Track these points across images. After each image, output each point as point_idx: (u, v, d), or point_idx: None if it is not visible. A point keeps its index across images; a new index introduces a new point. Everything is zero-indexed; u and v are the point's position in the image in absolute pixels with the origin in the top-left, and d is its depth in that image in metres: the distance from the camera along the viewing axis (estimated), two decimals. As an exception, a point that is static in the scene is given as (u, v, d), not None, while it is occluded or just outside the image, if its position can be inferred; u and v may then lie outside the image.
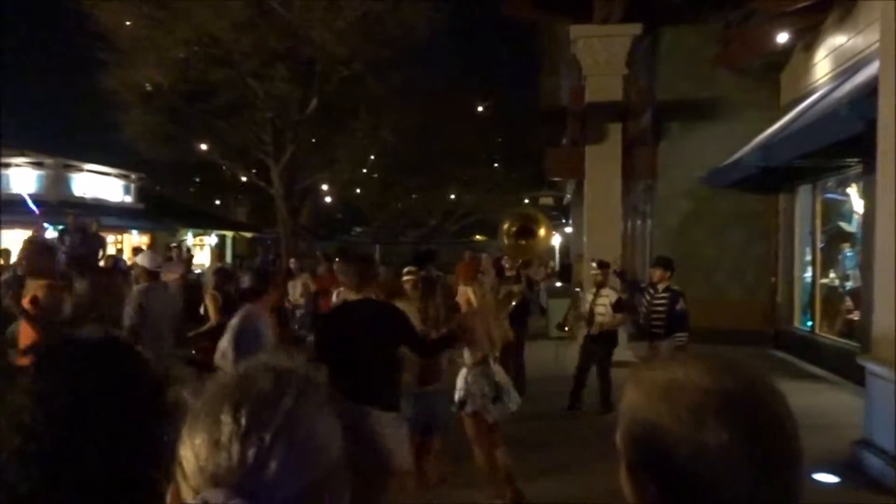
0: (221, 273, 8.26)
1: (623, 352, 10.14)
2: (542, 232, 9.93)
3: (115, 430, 0.98)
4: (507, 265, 9.44)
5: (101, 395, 0.99)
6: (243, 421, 0.75)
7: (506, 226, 9.85)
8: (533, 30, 17.24)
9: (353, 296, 4.32)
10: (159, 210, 25.51)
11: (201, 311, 7.83)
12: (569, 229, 30.40)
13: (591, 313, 7.92)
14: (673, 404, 0.84)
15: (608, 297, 7.83)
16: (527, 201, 29.62)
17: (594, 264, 8.41)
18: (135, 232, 24.22)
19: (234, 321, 4.57)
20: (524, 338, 8.63)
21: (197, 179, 26.05)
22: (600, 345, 7.86)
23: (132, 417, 1.00)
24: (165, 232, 25.02)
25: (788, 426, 0.86)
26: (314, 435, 0.77)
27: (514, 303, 8.32)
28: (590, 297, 8.10)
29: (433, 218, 35.07)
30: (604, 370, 7.78)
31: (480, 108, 25.73)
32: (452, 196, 32.28)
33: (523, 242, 9.61)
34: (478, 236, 38.86)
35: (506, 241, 9.63)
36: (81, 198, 22.38)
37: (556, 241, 28.74)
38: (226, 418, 0.75)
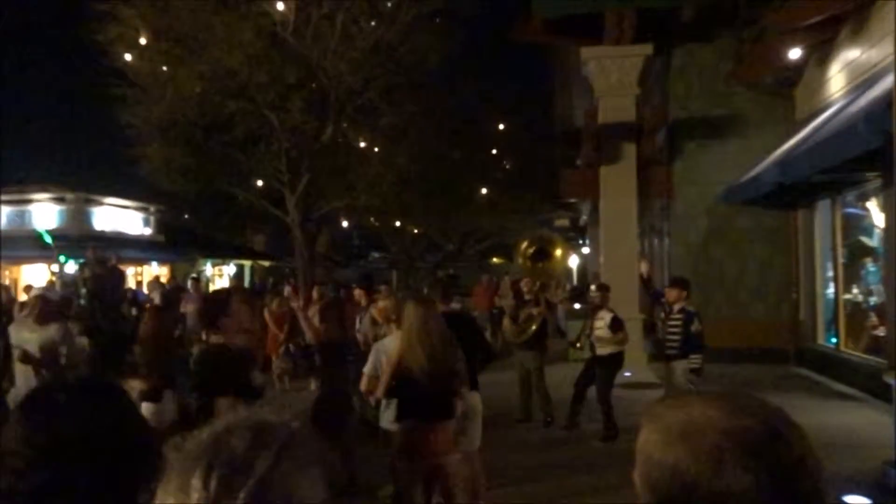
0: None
1: (645, 372, 10.06)
2: (557, 253, 9.93)
3: (97, 469, 0.98)
4: (525, 288, 9.41)
5: (83, 436, 0.99)
6: (213, 486, 0.71)
7: (522, 248, 9.86)
8: (545, 52, 17.35)
9: None
10: (179, 241, 25.79)
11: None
12: (586, 250, 30.27)
13: (590, 336, 7.88)
14: (691, 446, 0.82)
15: (604, 318, 7.74)
16: (542, 223, 29.58)
17: (593, 287, 8.35)
18: (154, 263, 24.51)
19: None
20: (544, 361, 8.55)
21: (216, 210, 26.39)
22: (601, 367, 7.72)
23: (113, 458, 1.00)
24: (185, 262, 25.31)
25: (810, 464, 0.82)
26: (290, 498, 0.73)
27: (534, 326, 8.29)
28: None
29: (451, 242, 35.11)
30: (601, 394, 7.59)
31: (498, 130, 25.84)
32: (469, 217, 32.37)
33: (540, 265, 9.60)
34: (496, 259, 38.83)
35: (521, 263, 9.64)
36: (102, 231, 22.72)
37: (574, 262, 28.62)
38: (196, 483, 0.72)
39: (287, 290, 11.16)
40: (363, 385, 4.60)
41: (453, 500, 4.16)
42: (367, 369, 4.58)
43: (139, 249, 22.91)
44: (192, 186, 18.06)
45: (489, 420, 5.52)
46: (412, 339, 4.05)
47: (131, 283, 19.29)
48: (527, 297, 8.97)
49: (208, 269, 27.01)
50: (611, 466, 6.01)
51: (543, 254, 9.61)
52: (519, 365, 8.53)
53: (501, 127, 25.42)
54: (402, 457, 4.11)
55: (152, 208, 25.88)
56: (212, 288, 23.27)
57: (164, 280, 20.03)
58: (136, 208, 25.44)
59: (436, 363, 4.01)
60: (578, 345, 9.11)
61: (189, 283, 14.86)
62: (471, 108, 24.15)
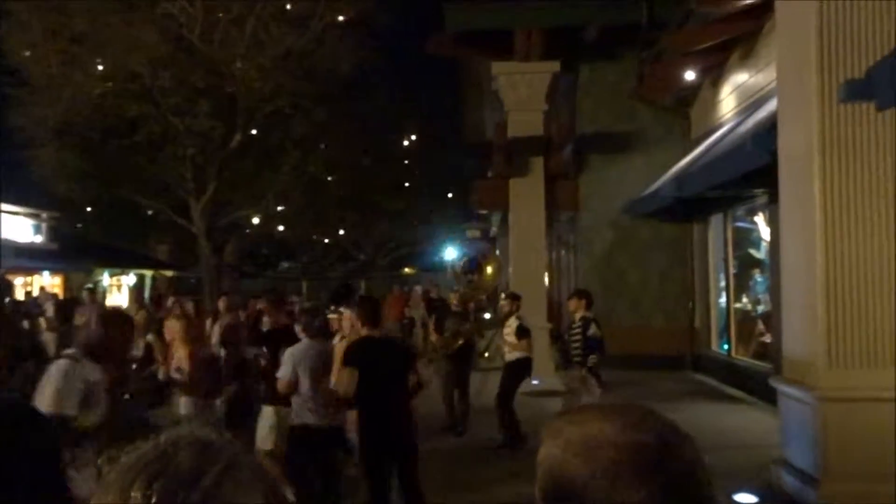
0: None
1: (552, 380, 10.30)
2: (489, 269, 10.10)
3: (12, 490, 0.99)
4: (453, 300, 9.55)
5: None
6: (154, 499, 0.70)
7: (460, 263, 9.96)
8: (458, 65, 17.57)
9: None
10: (74, 250, 24.42)
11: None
12: (497, 260, 30.74)
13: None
14: (588, 461, 0.85)
15: (511, 326, 7.94)
16: (454, 234, 29.87)
17: (503, 295, 8.53)
18: (46, 273, 23.09)
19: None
20: (469, 375, 8.61)
21: (115, 218, 25.18)
22: (506, 371, 7.87)
23: (29, 477, 1.01)
24: (80, 272, 23.96)
25: (700, 473, 0.86)
26: None
27: (460, 342, 8.37)
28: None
29: (363, 252, 34.89)
30: (502, 398, 7.65)
31: (407, 143, 25.93)
32: (381, 227, 32.29)
33: (474, 278, 9.74)
34: (407, 269, 38.86)
35: (459, 279, 9.74)
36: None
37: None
38: (136, 494, 0.70)
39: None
40: (281, 388, 4.89)
41: None
42: (281, 374, 4.88)
43: (29, 258, 21.52)
44: (88, 192, 17.18)
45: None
46: None
47: (19, 295, 18.10)
48: (454, 308, 9.09)
49: (105, 279, 25.68)
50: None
51: (478, 268, 9.77)
52: (445, 375, 8.54)
53: (414, 137, 25.52)
54: None
55: (44, 215, 24.41)
56: (108, 300, 22.13)
57: (56, 291, 18.92)
58: (27, 214, 23.92)
59: None
60: (487, 354, 9.24)
61: (84, 295, 14.08)
62: (384, 119, 24.14)
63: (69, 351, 3.69)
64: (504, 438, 7.49)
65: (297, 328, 5.31)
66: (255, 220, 22.29)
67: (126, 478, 0.73)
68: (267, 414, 5.49)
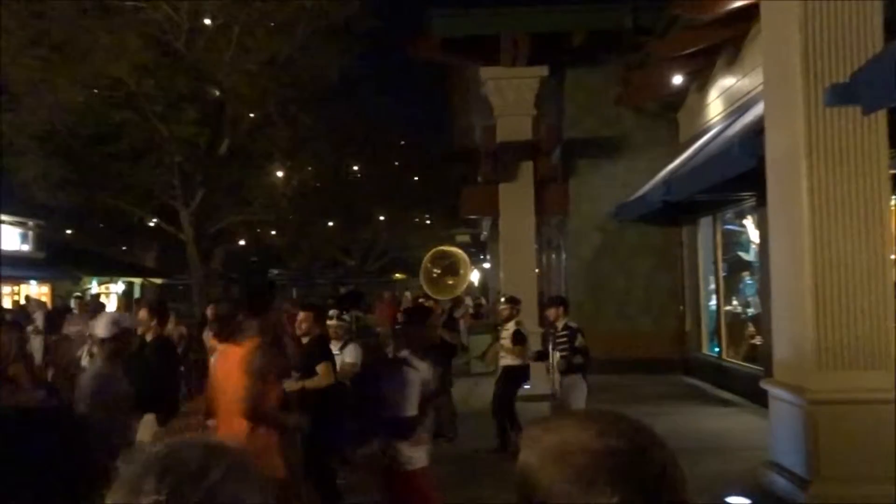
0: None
1: (543, 385, 10.28)
2: (462, 270, 10.03)
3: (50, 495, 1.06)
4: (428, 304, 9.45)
5: (40, 462, 1.07)
6: (165, 491, 0.77)
7: (427, 265, 9.88)
8: (445, 71, 17.60)
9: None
10: (61, 258, 24.23)
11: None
12: (487, 265, 30.78)
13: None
14: (564, 468, 0.86)
15: (509, 330, 7.91)
16: (444, 240, 29.85)
17: (503, 299, 8.52)
18: (33, 282, 22.89)
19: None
20: (448, 378, 8.57)
21: (101, 225, 24.98)
22: (503, 380, 7.84)
23: (68, 483, 1.07)
24: (68, 281, 23.77)
25: (673, 477, 0.88)
26: None
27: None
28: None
29: (351, 258, 34.82)
30: (501, 406, 7.65)
31: (395, 148, 25.94)
32: (370, 234, 32.24)
33: (451, 282, 9.67)
34: (397, 275, 38.81)
35: (427, 280, 9.66)
36: (-28, 248, 20.97)
37: (475, 277, 29.01)
38: (148, 487, 0.78)
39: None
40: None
41: None
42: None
43: (15, 267, 21.31)
44: (72, 200, 17.04)
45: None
46: None
47: (6, 303, 17.92)
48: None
49: (94, 287, 25.48)
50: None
51: (450, 270, 9.69)
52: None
53: (402, 143, 25.54)
54: None
55: (31, 223, 24.20)
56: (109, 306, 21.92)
57: (45, 299, 18.72)
58: (12, 223, 23.70)
59: None
60: (487, 358, 9.20)
61: (73, 303, 13.95)
62: (371, 124, 24.14)
63: None
64: (499, 444, 7.47)
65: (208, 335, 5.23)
66: (243, 228, 22.21)
67: (139, 472, 0.80)
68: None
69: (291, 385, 5.25)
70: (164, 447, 0.84)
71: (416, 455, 3.95)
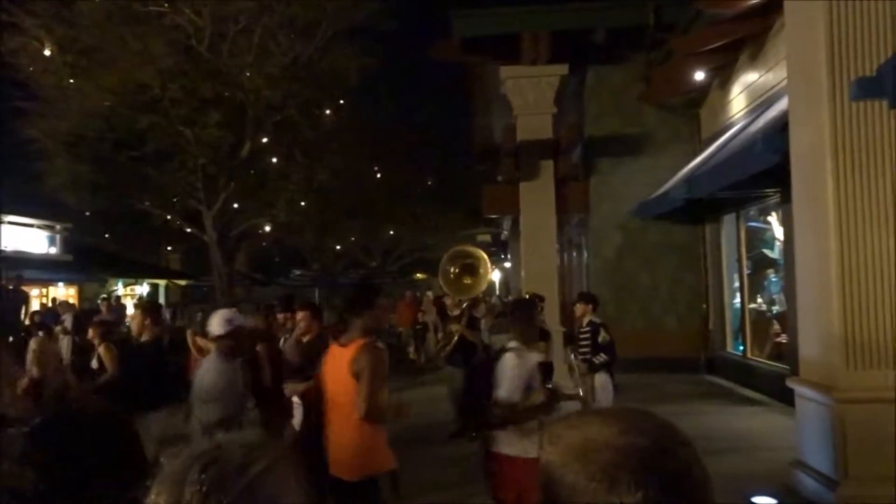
0: (104, 323, 7.99)
1: (565, 382, 10.25)
2: (482, 270, 10.02)
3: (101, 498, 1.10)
4: (448, 303, 9.44)
5: (91, 466, 1.11)
6: (207, 483, 0.82)
7: (446, 265, 9.88)
8: (464, 70, 17.62)
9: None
10: (88, 261, 24.63)
11: (93, 363, 7.35)
12: (508, 264, 30.74)
13: None
14: (587, 465, 0.87)
15: None
16: (464, 239, 29.86)
17: (526, 296, 8.47)
18: (61, 284, 23.31)
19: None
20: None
21: (127, 228, 25.38)
22: None
23: (118, 485, 1.10)
24: (94, 283, 24.16)
25: (697, 475, 0.88)
26: (277, 499, 0.84)
27: (454, 340, 8.32)
28: None
29: (373, 258, 34.95)
30: None
31: (419, 146, 25.99)
32: (391, 233, 32.34)
33: (468, 281, 9.66)
34: (419, 275, 38.88)
35: (445, 281, 9.66)
36: (2, 251, 21.41)
37: (496, 276, 29.00)
38: (192, 478, 0.83)
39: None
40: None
41: None
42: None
43: (44, 270, 21.70)
44: (100, 203, 17.32)
45: (422, 436, 5.44)
46: None
47: (35, 305, 18.25)
48: (452, 312, 9.01)
49: (119, 289, 25.87)
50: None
51: (469, 269, 9.69)
52: (449, 379, 8.53)
53: (422, 143, 25.57)
54: None
55: (59, 226, 24.64)
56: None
57: (72, 301, 19.06)
58: (41, 226, 24.14)
59: None
60: None
61: (100, 304, 14.21)
62: (392, 125, 24.21)
63: None
64: None
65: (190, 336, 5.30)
66: (267, 229, 22.40)
67: (183, 466, 0.85)
68: None
69: (295, 387, 5.16)
70: (209, 444, 0.89)
71: (522, 445, 4.09)
